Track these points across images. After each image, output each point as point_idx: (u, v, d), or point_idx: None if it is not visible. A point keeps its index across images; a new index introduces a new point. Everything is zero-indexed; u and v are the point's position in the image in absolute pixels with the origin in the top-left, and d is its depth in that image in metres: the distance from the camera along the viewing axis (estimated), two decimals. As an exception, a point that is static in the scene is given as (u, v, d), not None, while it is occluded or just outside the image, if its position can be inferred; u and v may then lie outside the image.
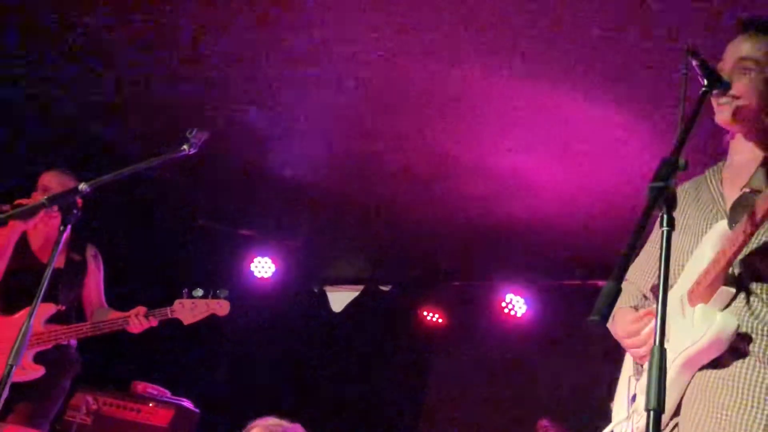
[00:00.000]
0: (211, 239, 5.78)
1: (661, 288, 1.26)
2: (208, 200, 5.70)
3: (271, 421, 2.73)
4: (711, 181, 1.84)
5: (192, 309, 3.40)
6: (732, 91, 1.69)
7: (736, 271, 1.65)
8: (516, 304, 5.74)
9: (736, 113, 1.70)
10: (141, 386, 4.22)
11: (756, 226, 1.54)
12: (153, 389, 4.21)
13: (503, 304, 5.76)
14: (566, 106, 3.96)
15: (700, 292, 1.64)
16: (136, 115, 4.68)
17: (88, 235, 3.73)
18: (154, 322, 3.37)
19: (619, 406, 1.91)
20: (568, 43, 3.39)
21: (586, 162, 4.40)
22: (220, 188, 5.51)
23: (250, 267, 5.85)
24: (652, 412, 1.13)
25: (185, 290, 3.42)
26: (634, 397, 1.79)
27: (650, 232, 1.94)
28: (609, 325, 1.70)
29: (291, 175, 5.18)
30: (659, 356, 1.14)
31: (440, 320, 6.16)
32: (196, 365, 5.56)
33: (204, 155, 4.88)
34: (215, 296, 3.43)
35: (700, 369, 1.64)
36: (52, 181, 3.40)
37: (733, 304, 1.64)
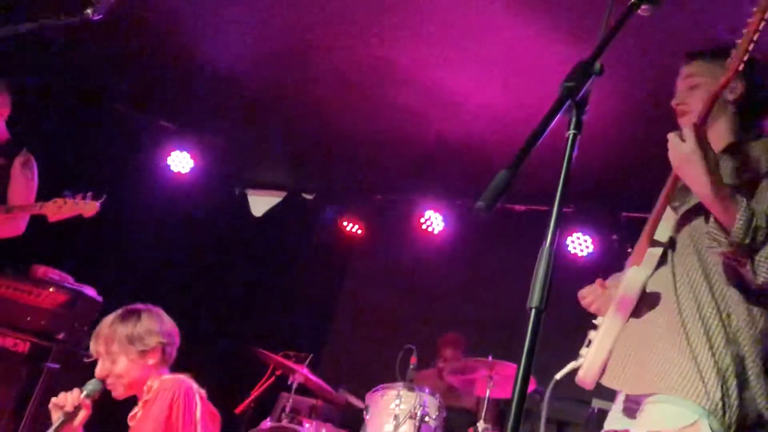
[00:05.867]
0: (127, 127, 5.51)
1: (559, 193, 1.24)
2: (128, 85, 5.41)
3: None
4: None
5: (60, 207, 3.48)
6: (683, 107, 2.00)
7: (672, 236, 1.94)
8: (434, 220, 5.80)
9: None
10: (41, 270, 4.05)
11: (665, 195, 1.92)
12: (54, 274, 4.06)
13: (422, 220, 5.81)
14: (504, 25, 3.89)
15: (639, 256, 1.97)
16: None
17: (25, 141, 3.72)
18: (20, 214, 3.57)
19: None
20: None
21: (519, 83, 4.38)
22: (143, 74, 5.22)
23: (166, 160, 5.64)
24: (533, 310, 1.13)
25: (65, 192, 3.53)
26: (589, 342, 2.02)
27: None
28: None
29: (220, 69, 4.94)
30: (547, 256, 1.13)
31: (359, 231, 6.18)
32: (106, 257, 5.41)
33: (126, 36, 4.63)
34: (85, 198, 3.50)
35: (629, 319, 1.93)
36: None
37: (662, 266, 1.93)
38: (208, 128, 5.70)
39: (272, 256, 6.40)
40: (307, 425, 3.94)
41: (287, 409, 4.27)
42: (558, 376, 2.00)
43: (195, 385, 2.69)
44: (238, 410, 4.57)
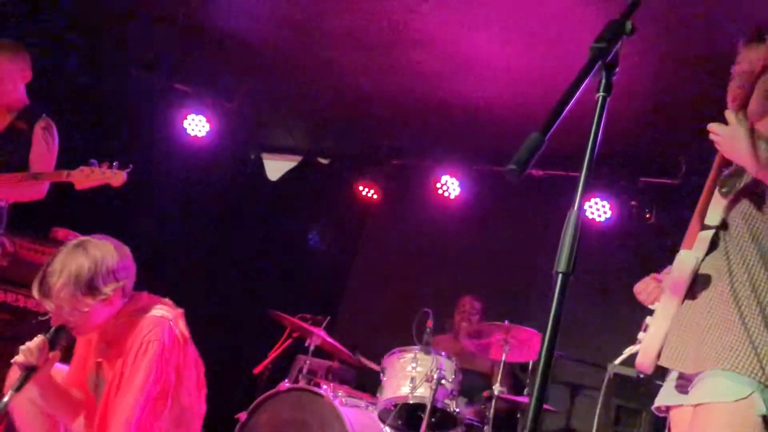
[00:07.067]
0: (144, 90, 5.50)
1: (587, 157, 1.22)
2: (143, 49, 5.38)
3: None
4: None
5: (88, 175, 3.48)
6: (739, 91, 1.98)
7: (724, 220, 1.98)
8: (450, 185, 5.77)
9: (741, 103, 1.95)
10: (62, 233, 4.08)
11: (711, 180, 1.96)
12: (75, 237, 4.10)
13: (438, 185, 5.79)
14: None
15: (690, 241, 2.00)
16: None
17: (44, 107, 3.74)
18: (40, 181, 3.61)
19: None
20: None
21: (539, 45, 4.30)
22: (157, 37, 5.18)
23: (183, 124, 5.63)
24: (560, 276, 1.12)
25: (92, 161, 3.54)
26: (646, 327, 2.06)
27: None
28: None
29: (236, 32, 4.90)
30: (574, 221, 1.12)
31: (375, 196, 6.17)
32: (122, 219, 5.44)
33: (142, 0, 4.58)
34: (111, 167, 3.52)
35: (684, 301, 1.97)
36: None
37: (715, 249, 1.96)
38: (225, 92, 5.68)
39: (288, 220, 6.43)
40: (324, 386, 3.99)
41: (304, 371, 4.32)
42: (617, 362, 2.08)
43: (171, 320, 2.49)
44: (256, 371, 4.64)
